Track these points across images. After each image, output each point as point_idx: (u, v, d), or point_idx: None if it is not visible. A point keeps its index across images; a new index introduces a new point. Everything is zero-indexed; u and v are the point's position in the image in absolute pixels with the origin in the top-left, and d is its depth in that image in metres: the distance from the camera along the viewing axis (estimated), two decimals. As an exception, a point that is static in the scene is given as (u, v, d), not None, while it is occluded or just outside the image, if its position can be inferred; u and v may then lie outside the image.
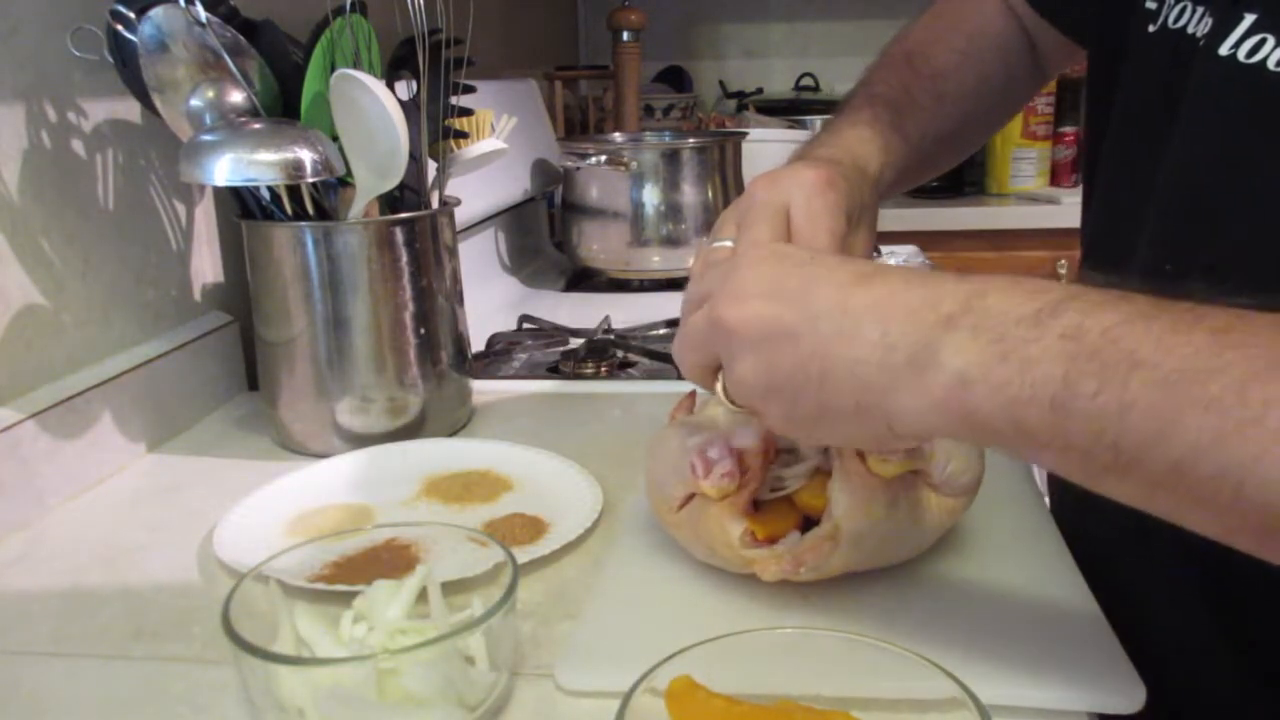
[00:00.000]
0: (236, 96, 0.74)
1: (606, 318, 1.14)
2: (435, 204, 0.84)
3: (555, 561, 0.61)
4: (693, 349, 0.49)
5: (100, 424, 0.76)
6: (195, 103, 0.74)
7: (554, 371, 1.01)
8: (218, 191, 0.93)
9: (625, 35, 1.74)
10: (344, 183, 0.78)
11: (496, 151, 0.94)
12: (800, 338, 0.43)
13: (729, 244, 0.55)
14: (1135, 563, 0.59)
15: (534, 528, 0.64)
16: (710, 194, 1.36)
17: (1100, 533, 0.58)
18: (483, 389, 0.93)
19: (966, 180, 2.21)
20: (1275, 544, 0.35)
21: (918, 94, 0.70)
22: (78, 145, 0.77)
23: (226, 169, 0.69)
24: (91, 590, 0.60)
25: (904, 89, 0.70)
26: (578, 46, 2.58)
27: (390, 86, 0.74)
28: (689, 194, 1.36)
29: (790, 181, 0.55)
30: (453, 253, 0.84)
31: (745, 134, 1.51)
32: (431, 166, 0.85)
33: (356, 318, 0.77)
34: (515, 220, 1.50)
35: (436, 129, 0.83)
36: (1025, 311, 0.38)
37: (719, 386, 0.49)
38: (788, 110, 2.25)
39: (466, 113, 0.88)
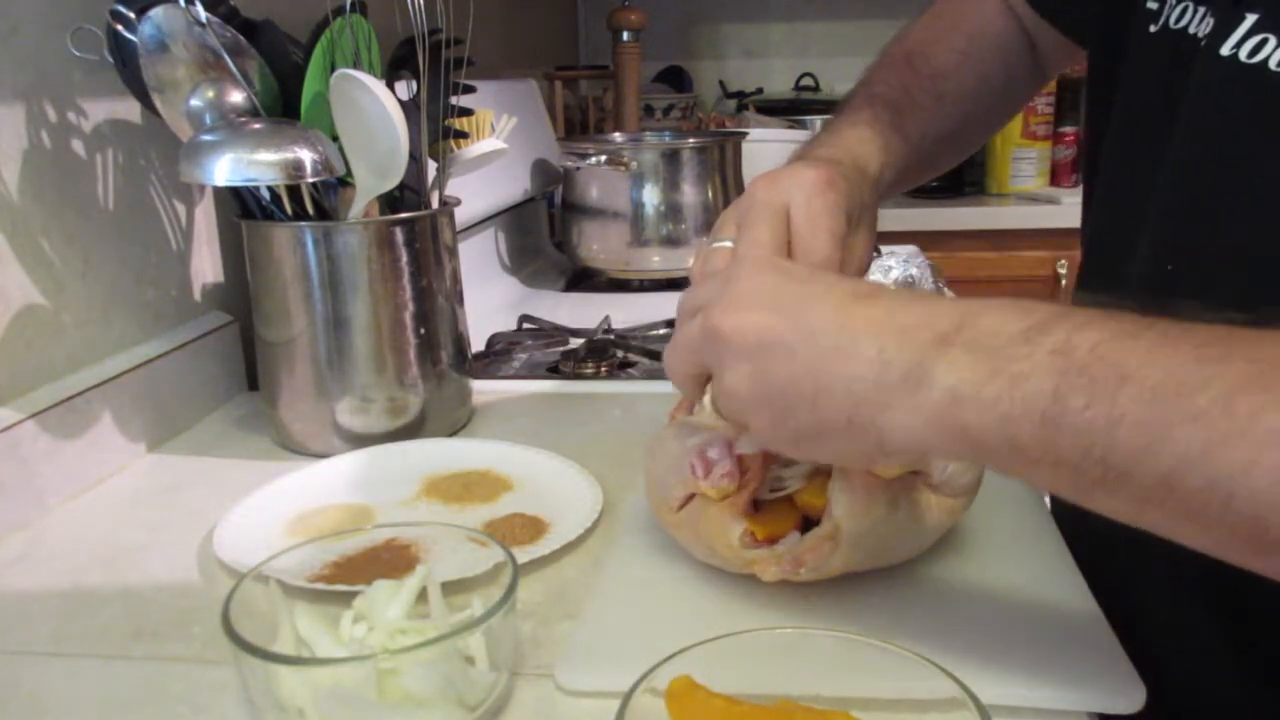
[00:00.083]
0: (236, 96, 0.74)
1: (606, 318, 1.14)
2: (435, 204, 0.84)
3: (555, 561, 0.61)
4: (684, 357, 0.49)
5: (100, 424, 0.76)
6: (195, 103, 0.74)
7: (554, 371, 1.01)
8: (218, 191, 0.93)
9: (625, 35, 1.74)
10: (344, 183, 0.78)
11: (496, 151, 0.94)
12: (796, 352, 0.43)
13: (729, 244, 0.55)
14: (1135, 563, 0.59)
15: (534, 528, 0.64)
16: (710, 194, 1.36)
17: (1100, 533, 0.58)
18: (483, 389, 0.93)
19: (966, 180, 2.21)
20: (1267, 557, 0.35)
21: (918, 94, 0.70)
22: (78, 145, 0.77)
23: (226, 169, 0.69)
24: (91, 590, 0.60)
25: (904, 89, 0.70)
26: (578, 46, 2.58)
27: (390, 86, 0.74)
28: (689, 194, 1.36)
29: (790, 181, 0.55)
30: (453, 253, 0.84)
31: (745, 134, 1.51)
32: (431, 166, 0.85)
33: (356, 318, 0.77)
34: (515, 220, 1.50)
35: (436, 129, 0.83)
36: (1016, 329, 0.39)
37: (707, 398, 0.48)
38: (788, 110, 2.25)
39: (466, 113, 0.88)
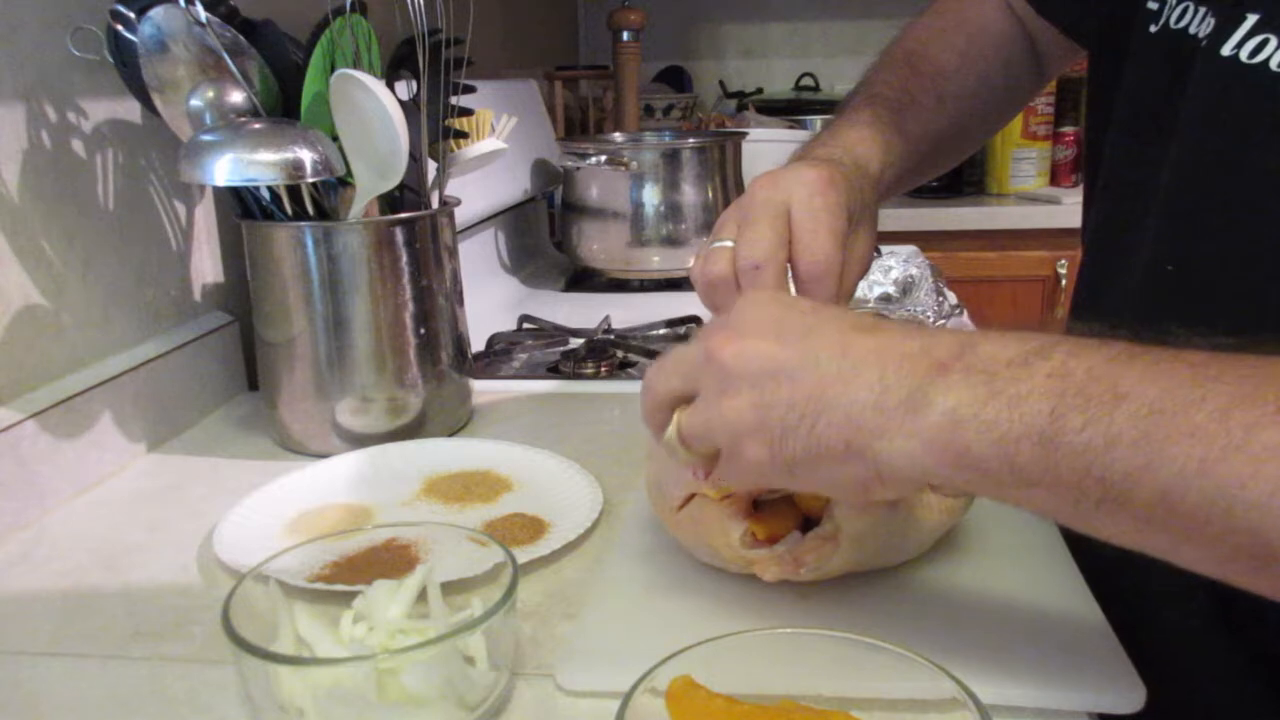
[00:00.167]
0: (236, 96, 0.74)
1: (606, 318, 1.14)
2: (435, 204, 0.84)
3: (555, 561, 0.61)
4: (672, 377, 0.48)
5: (100, 424, 0.76)
6: (195, 103, 0.74)
7: (554, 371, 1.01)
8: (218, 191, 0.93)
9: (625, 35, 1.74)
10: (344, 183, 0.78)
11: (496, 151, 0.94)
12: (797, 378, 0.43)
13: (729, 244, 0.55)
14: (1135, 563, 0.59)
15: (534, 528, 0.64)
16: (710, 194, 1.36)
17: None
18: (483, 389, 0.93)
19: (966, 180, 2.21)
20: (1269, 575, 0.35)
21: (918, 94, 0.70)
22: (78, 145, 0.77)
23: (226, 169, 0.69)
24: (91, 590, 0.60)
25: (904, 89, 0.70)
26: (578, 46, 2.58)
27: (390, 86, 0.74)
28: (689, 194, 1.36)
29: (791, 181, 0.55)
30: (453, 253, 0.84)
31: (745, 134, 1.51)
32: (431, 166, 0.85)
33: (356, 318, 0.77)
34: (515, 220, 1.50)
35: (436, 129, 0.83)
36: (1013, 354, 0.39)
37: (672, 428, 0.47)
38: (788, 110, 2.25)
39: (466, 113, 0.88)
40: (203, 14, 0.72)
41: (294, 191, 0.75)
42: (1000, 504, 0.40)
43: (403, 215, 0.78)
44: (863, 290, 1.10)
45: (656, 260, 1.36)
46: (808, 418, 0.42)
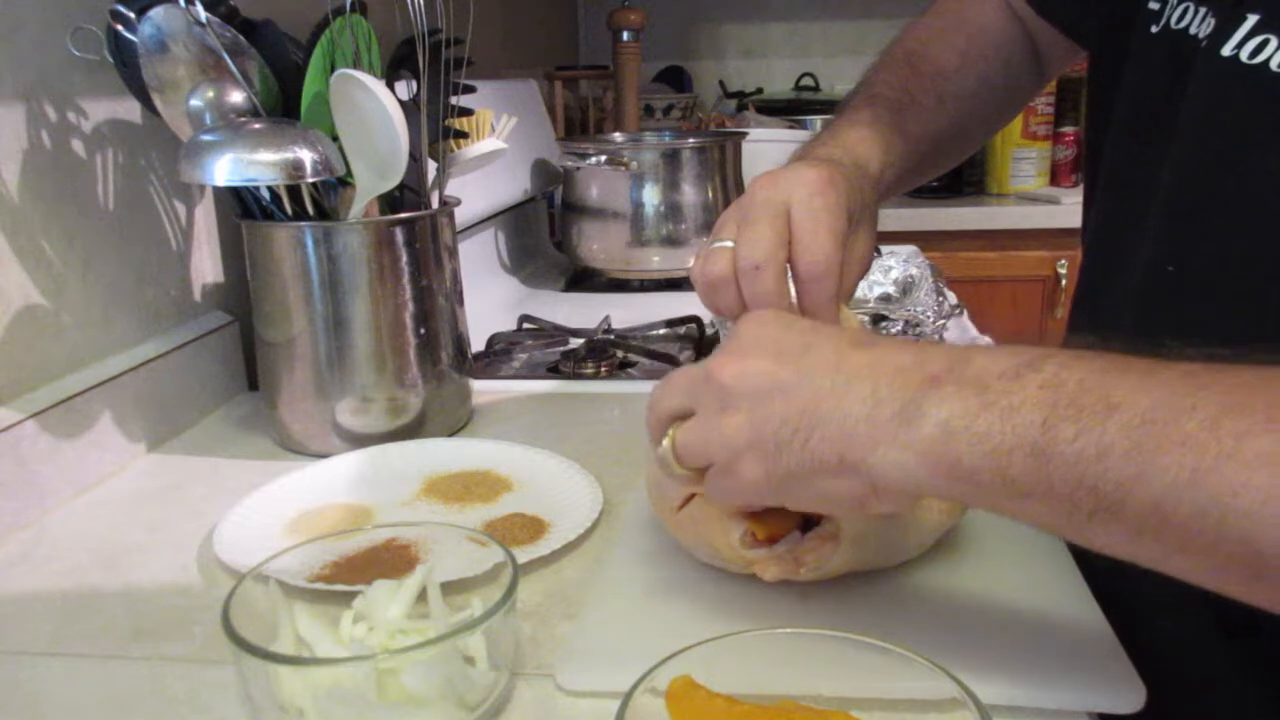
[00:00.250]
0: (236, 96, 0.74)
1: (606, 318, 1.14)
2: (435, 204, 0.84)
3: (555, 561, 0.61)
4: (675, 394, 0.48)
5: (100, 424, 0.76)
6: (195, 103, 0.74)
7: (554, 371, 1.01)
8: (218, 191, 0.93)
9: (625, 35, 1.74)
10: (344, 183, 0.78)
11: (496, 151, 0.94)
12: (792, 393, 0.43)
13: (729, 244, 0.55)
14: (1134, 565, 0.59)
15: (534, 528, 0.64)
16: (710, 194, 1.36)
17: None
18: (483, 389, 0.93)
19: (966, 180, 2.21)
20: (1264, 585, 0.35)
21: (918, 94, 0.70)
22: (78, 145, 0.77)
23: (226, 169, 0.69)
24: (91, 590, 0.60)
25: (904, 89, 0.70)
26: (578, 46, 2.58)
27: (390, 86, 0.74)
28: (689, 194, 1.36)
29: (791, 181, 0.55)
30: (453, 253, 0.84)
31: (745, 134, 1.51)
32: (431, 166, 0.85)
33: (356, 318, 0.77)
34: (515, 220, 1.50)
35: (436, 129, 0.83)
36: (1006, 367, 0.39)
37: (667, 442, 0.48)
38: (788, 110, 2.25)
39: (466, 113, 0.88)
40: (203, 14, 0.72)
41: (294, 191, 0.75)
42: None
43: (403, 215, 0.78)
44: (863, 290, 1.10)
45: (656, 260, 1.36)
46: (801, 432, 0.43)
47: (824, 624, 0.50)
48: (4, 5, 0.70)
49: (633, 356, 1.03)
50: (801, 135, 1.76)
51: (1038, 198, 2.14)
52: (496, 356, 1.06)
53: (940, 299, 1.08)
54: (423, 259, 0.79)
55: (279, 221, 0.76)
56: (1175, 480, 0.34)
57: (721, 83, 2.58)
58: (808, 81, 2.52)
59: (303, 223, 0.76)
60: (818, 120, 2.07)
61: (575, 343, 1.08)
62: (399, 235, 0.77)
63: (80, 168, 0.78)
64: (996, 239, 2.06)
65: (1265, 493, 0.32)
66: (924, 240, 1.63)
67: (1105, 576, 0.54)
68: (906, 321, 1.03)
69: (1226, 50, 0.51)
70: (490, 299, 1.30)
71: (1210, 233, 0.54)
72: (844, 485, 0.43)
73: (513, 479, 0.72)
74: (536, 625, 0.54)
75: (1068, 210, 2.04)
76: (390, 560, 0.55)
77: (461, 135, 0.89)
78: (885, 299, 1.10)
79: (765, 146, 1.55)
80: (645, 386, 0.94)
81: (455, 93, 0.84)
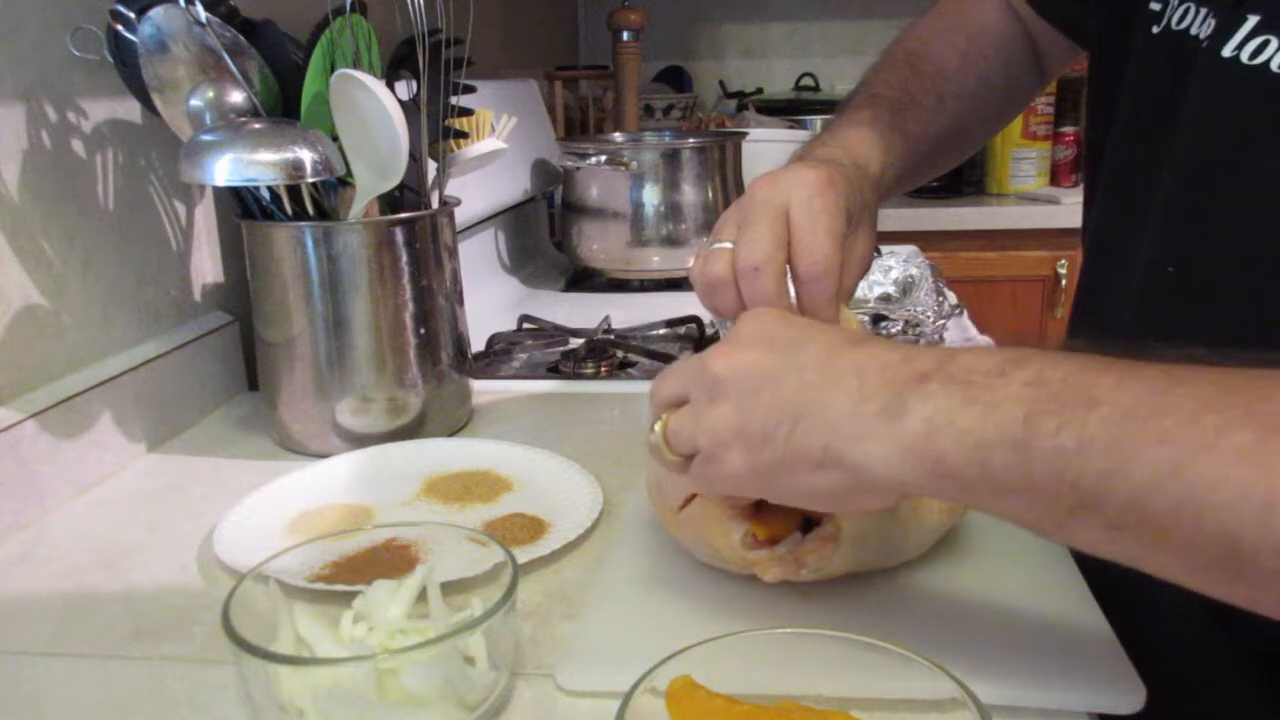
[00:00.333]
0: (236, 96, 0.74)
1: (606, 318, 1.14)
2: (435, 204, 0.84)
3: (555, 561, 0.61)
4: (672, 385, 0.49)
5: (100, 424, 0.76)
6: (195, 103, 0.74)
7: (554, 371, 1.01)
8: (218, 191, 0.93)
9: (625, 35, 1.74)
10: (344, 183, 0.78)
11: (496, 151, 0.94)
12: (780, 385, 0.44)
13: (729, 245, 0.55)
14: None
15: (534, 528, 0.64)
16: (710, 194, 1.36)
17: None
18: (483, 389, 0.93)
19: (966, 180, 2.21)
20: (1244, 583, 0.35)
21: (918, 94, 0.70)
22: (78, 145, 0.77)
23: (226, 169, 0.69)
24: (91, 590, 0.60)
25: (904, 89, 0.70)
26: (578, 46, 2.58)
27: (390, 86, 0.74)
28: (689, 194, 1.36)
29: (791, 182, 0.55)
30: (453, 253, 0.84)
31: (745, 134, 1.51)
32: (431, 166, 0.85)
33: (356, 318, 0.77)
34: (515, 220, 1.50)
35: (436, 129, 0.83)
36: (991, 364, 0.39)
37: (658, 426, 0.48)
38: (788, 110, 2.25)
39: (466, 113, 0.88)
40: (203, 14, 0.72)
41: (294, 191, 0.75)
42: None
43: (403, 215, 0.78)
44: (863, 290, 1.10)
45: (656, 260, 1.36)
46: (785, 423, 0.43)
47: (824, 624, 0.50)
48: (4, 5, 0.70)
49: (633, 356, 1.03)
50: (801, 135, 1.76)
51: (1038, 198, 2.14)
52: (496, 356, 1.06)
53: (940, 299, 1.08)
54: (423, 259, 0.79)
55: (279, 221, 0.76)
56: (1154, 474, 0.34)
57: (721, 83, 2.58)
58: (808, 81, 2.52)
59: (303, 223, 0.76)
60: (818, 120, 2.07)
61: (575, 343, 1.08)
62: (399, 235, 0.77)
63: (80, 168, 0.78)
64: (996, 239, 2.06)
65: (1243, 487, 0.32)
66: (924, 240, 1.63)
67: (1106, 577, 0.54)
68: (906, 321, 1.03)
69: (1227, 51, 0.51)
70: (490, 299, 1.30)
71: (1210, 233, 0.54)
72: (827, 478, 0.43)
73: (513, 479, 0.72)
74: (536, 625, 0.54)
75: (1068, 210, 2.04)
76: (390, 560, 0.55)
77: (461, 135, 0.89)
78: (885, 299, 1.10)
79: (765, 146, 1.55)
80: (645, 386, 0.94)
81: (455, 93, 0.84)
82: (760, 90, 2.54)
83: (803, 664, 0.44)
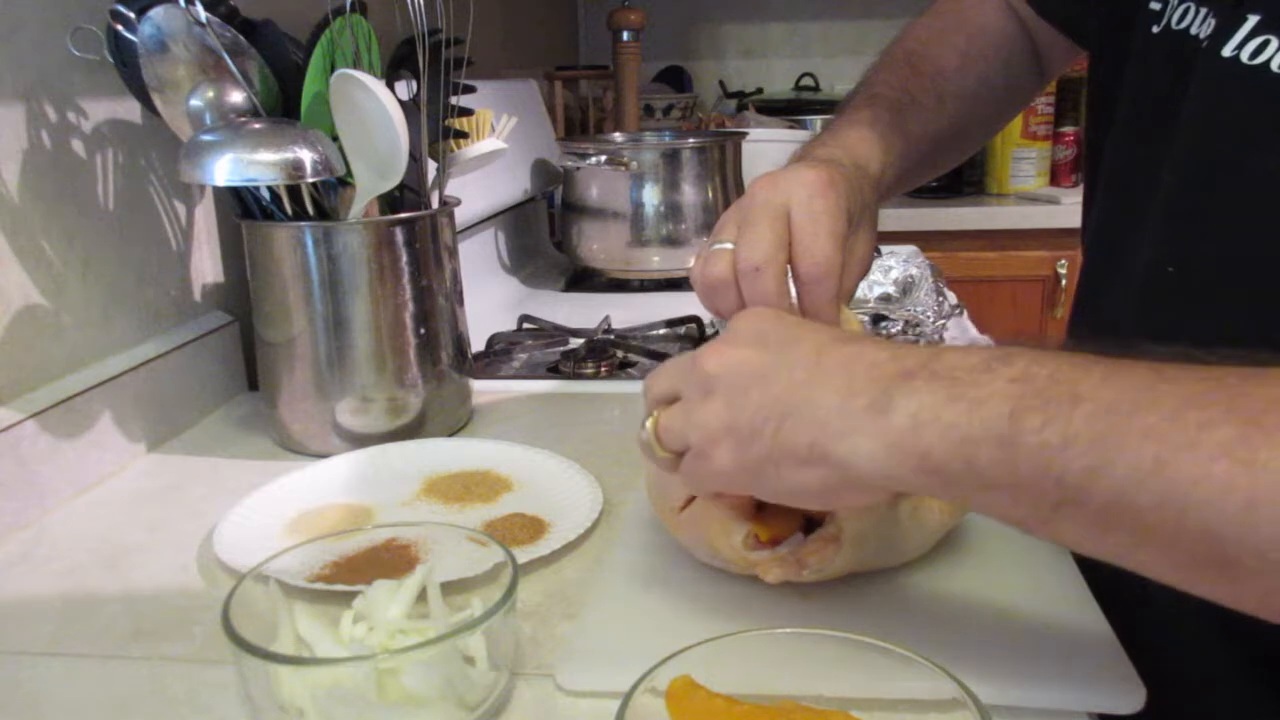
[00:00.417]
0: (236, 96, 0.74)
1: (606, 318, 1.14)
2: (435, 204, 0.84)
3: (555, 561, 0.61)
4: (665, 381, 0.49)
5: (100, 424, 0.76)
6: (195, 103, 0.74)
7: (554, 371, 1.01)
8: (218, 191, 0.93)
9: (625, 35, 1.74)
10: (344, 183, 0.78)
11: (496, 151, 0.94)
12: (771, 381, 0.44)
13: (729, 246, 0.55)
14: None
15: (534, 528, 0.64)
16: (710, 194, 1.36)
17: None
18: (483, 389, 0.93)
19: (966, 180, 2.21)
20: (1228, 581, 0.35)
21: (918, 94, 0.70)
22: (78, 145, 0.77)
23: (226, 169, 0.69)
24: (91, 590, 0.60)
25: (904, 89, 0.70)
26: (578, 46, 2.58)
27: (390, 86, 0.74)
28: (689, 194, 1.36)
29: (791, 182, 0.55)
30: (453, 253, 0.84)
31: (745, 134, 1.51)
32: (431, 166, 0.85)
33: (356, 318, 0.77)
34: (515, 220, 1.50)
35: (436, 129, 0.83)
36: (977, 361, 0.40)
37: (650, 422, 0.49)
38: (788, 110, 2.25)
39: (466, 113, 0.88)
40: (203, 14, 0.72)
41: (294, 191, 0.75)
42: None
43: (403, 215, 0.78)
44: (863, 290, 1.10)
45: (656, 260, 1.36)
46: (773, 420, 0.43)
47: (824, 624, 0.50)
48: (4, 5, 0.70)
49: (633, 356, 1.03)
50: (801, 135, 1.76)
51: (1038, 198, 2.14)
52: (496, 356, 1.06)
53: (940, 299, 1.08)
54: (423, 259, 0.79)
55: (279, 221, 0.76)
56: (1137, 470, 0.34)
57: (721, 83, 2.58)
58: (808, 81, 2.52)
59: (303, 223, 0.76)
60: (818, 120, 2.07)
61: (575, 343, 1.08)
62: (399, 235, 0.77)
63: (80, 168, 0.78)
64: (996, 239, 2.07)
65: (1225, 484, 0.32)
66: (924, 240, 1.63)
67: (1106, 577, 0.54)
68: (906, 321, 1.03)
69: (1227, 51, 0.51)
70: (490, 299, 1.30)
71: (1210, 233, 0.54)
72: (814, 475, 0.43)
73: (513, 479, 0.72)
74: (536, 625, 0.54)
75: (1068, 210, 2.04)
76: (390, 560, 0.55)
77: (461, 135, 0.89)
78: (885, 299, 1.10)
79: (765, 146, 1.55)
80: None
81: (455, 93, 0.84)
82: (760, 90, 2.54)
83: (803, 664, 0.44)
